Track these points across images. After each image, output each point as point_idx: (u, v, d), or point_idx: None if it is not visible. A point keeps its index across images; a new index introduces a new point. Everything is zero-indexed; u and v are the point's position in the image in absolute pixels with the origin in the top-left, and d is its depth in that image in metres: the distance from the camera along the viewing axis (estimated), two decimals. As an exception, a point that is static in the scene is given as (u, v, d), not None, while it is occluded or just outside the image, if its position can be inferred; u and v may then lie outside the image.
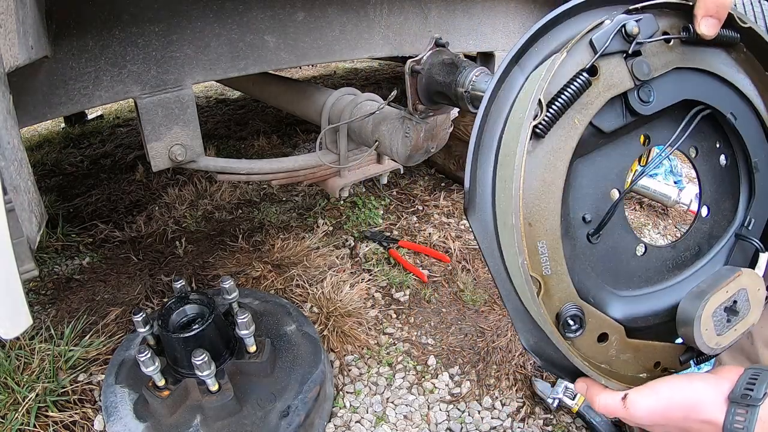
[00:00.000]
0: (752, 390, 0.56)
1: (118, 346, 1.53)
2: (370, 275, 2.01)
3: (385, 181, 1.84)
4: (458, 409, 1.49)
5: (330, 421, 1.44)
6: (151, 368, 1.19)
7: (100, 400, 1.40)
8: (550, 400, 1.44)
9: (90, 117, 4.35)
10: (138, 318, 1.32)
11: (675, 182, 2.52)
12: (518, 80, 0.61)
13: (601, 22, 0.56)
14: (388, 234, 2.28)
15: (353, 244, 2.23)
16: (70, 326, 1.63)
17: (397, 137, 1.28)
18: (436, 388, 1.56)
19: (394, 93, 1.18)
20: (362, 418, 1.46)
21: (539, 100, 0.52)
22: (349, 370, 1.61)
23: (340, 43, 1.40)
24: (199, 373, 1.16)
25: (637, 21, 0.56)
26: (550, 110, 0.54)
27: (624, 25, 0.55)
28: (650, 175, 2.44)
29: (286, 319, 1.55)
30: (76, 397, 1.44)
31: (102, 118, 4.38)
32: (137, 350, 1.19)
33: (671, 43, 0.59)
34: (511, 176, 0.53)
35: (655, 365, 0.66)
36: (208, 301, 1.31)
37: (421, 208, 2.51)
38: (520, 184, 0.53)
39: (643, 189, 2.43)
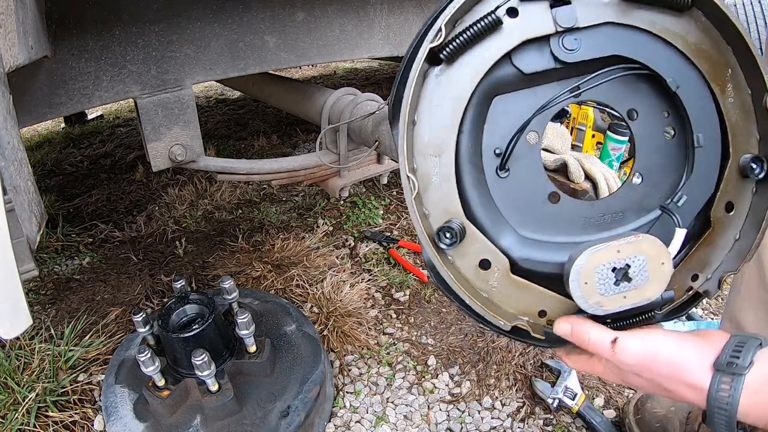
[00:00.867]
0: (738, 358, 0.55)
1: (118, 346, 1.53)
2: (370, 275, 2.01)
3: (385, 181, 1.84)
4: (458, 409, 1.49)
5: (330, 421, 1.44)
6: (151, 368, 1.19)
7: (100, 400, 1.40)
8: (550, 400, 1.44)
9: (90, 117, 4.35)
10: (138, 318, 1.32)
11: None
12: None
13: None
14: (388, 234, 2.28)
15: (353, 244, 2.23)
16: (70, 326, 1.63)
17: (397, 137, 1.28)
18: (436, 388, 1.56)
19: None
20: (362, 418, 1.46)
21: (441, 27, 0.56)
22: (349, 370, 1.61)
23: (340, 43, 1.40)
24: (199, 373, 1.16)
25: None
26: (458, 39, 0.57)
27: None
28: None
29: (286, 319, 1.55)
30: (76, 397, 1.44)
31: (102, 118, 4.38)
32: (137, 350, 1.19)
33: None
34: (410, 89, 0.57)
35: (540, 313, 0.65)
36: (208, 301, 1.31)
37: (421, 208, 2.51)
38: (410, 92, 0.57)
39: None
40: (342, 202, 2.52)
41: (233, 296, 1.43)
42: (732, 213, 0.65)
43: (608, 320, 0.63)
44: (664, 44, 0.61)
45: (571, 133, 2.55)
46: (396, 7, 1.46)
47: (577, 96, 0.63)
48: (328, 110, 1.58)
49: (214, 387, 1.22)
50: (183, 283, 1.40)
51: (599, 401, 1.48)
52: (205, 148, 1.33)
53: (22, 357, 1.48)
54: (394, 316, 1.83)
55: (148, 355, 1.18)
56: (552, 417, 1.45)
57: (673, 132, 0.66)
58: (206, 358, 1.15)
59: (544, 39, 0.60)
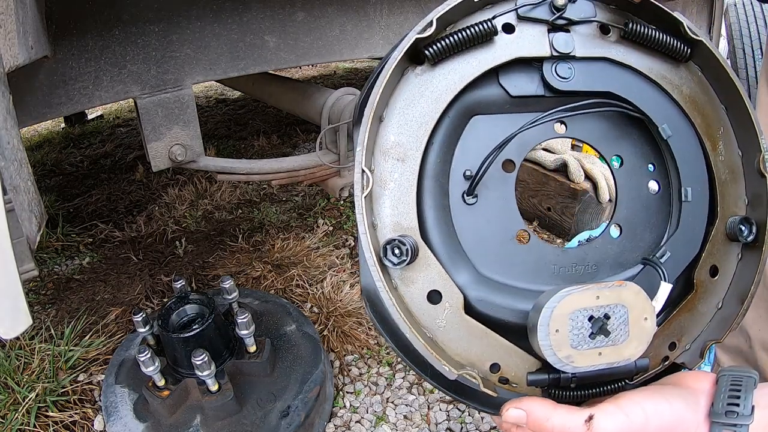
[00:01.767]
0: (737, 405, 0.48)
1: (118, 346, 1.53)
2: (370, 275, 2.01)
3: (385, 181, 1.84)
4: (458, 409, 1.49)
5: (330, 421, 1.44)
6: (151, 368, 1.19)
7: (100, 400, 1.40)
8: (550, 400, 1.44)
9: (90, 117, 4.35)
10: (138, 318, 1.32)
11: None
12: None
13: None
14: (388, 234, 2.28)
15: (353, 244, 2.23)
16: (70, 326, 1.63)
17: (397, 137, 1.28)
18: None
19: None
20: (362, 418, 1.46)
21: (432, 20, 0.52)
22: (349, 370, 1.61)
23: (340, 43, 1.40)
24: (199, 373, 1.16)
25: (570, 0, 0.56)
26: (447, 39, 0.53)
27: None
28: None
29: (286, 319, 1.55)
30: (76, 397, 1.44)
31: (102, 118, 4.38)
32: (137, 350, 1.19)
33: (610, 35, 0.58)
34: (382, 83, 0.52)
35: (493, 367, 0.55)
36: (208, 301, 1.31)
37: (421, 208, 2.51)
38: (383, 83, 0.51)
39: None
40: (342, 202, 2.52)
41: (233, 296, 1.43)
42: (716, 278, 0.60)
43: (572, 384, 0.53)
44: (659, 91, 0.59)
45: (571, 133, 2.55)
46: (396, 7, 1.46)
47: (563, 124, 0.60)
48: (328, 110, 1.58)
49: (214, 387, 1.22)
50: (183, 283, 1.40)
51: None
52: (205, 148, 1.33)
53: (22, 357, 1.48)
54: (394, 316, 1.83)
55: (148, 355, 1.18)
56: (552, 417, 1.45)
57: (658, 189, 0.62)
58: (206, 358, 1.15)
59: (536, 63, 0.57)
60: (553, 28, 0.57)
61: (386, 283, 0.50)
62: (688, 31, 0.57)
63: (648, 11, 0.58)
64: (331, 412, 1.47)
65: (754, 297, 0.59)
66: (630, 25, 0.57)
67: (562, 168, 2.31)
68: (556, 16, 0.56)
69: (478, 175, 0.56)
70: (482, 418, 1.45)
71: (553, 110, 0.56)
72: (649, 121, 0.59)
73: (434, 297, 0.54)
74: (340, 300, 1.78)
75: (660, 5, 0.57)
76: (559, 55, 0.56)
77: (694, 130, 0.59)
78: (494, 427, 1.43)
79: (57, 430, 1.35)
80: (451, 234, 0.57)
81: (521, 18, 0.56)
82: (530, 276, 0.59)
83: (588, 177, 2.27)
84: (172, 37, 1.16)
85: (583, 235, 2.20)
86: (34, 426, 1.33)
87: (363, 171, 0.51)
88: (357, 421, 1.45)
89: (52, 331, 1.60)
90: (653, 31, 0.57)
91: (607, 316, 0.49)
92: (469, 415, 1.47)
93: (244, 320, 1.27)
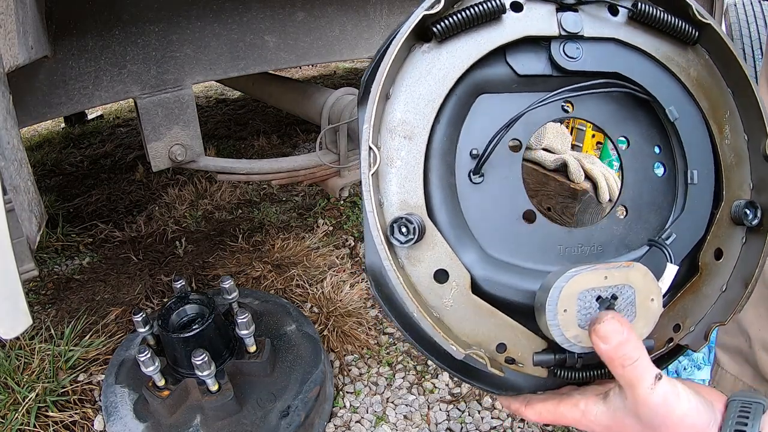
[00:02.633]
0: (745, 426, 0.48)
1: (118, 346, 1.53)
2: (370, 275, 2.01)
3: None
4: (458, 409, 1.49)
5: (330, 421, 1.44)
6: (151, 368, 1.19)
7: (100, 400, 1.40)
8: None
9: (90, 117, 4.35)
10: (138, 318, 1.32)
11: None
12: None
13: None
14: (388, 234, 2.28)
15: (353, 243, 2.23)
16: (70, 326, 1.63)
17: (397, 137, 1.28)
18: (436, 388, 1.56)
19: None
20: (362, 418, 1.46)
21: None
22: (349, 370, 1.61)
23: (340, 43, 1.40)
24: (199, 373, 1.16)
25: None
26: (456, 16, 0.53)
27: None
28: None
29: (286, 319, 1.55)
30: (76, 397, 1.44)
31: (102, 118, 4.38)
32: (137, 350, 1.19)
33: (618, 16, 0.58)
34: (389, 60, 0.52)
35: (499, 347, 0.55)
36: (208, 301, 1.31)
37: (421, 208, 2.51)
38: (390, 60, 0.51)
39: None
40: (342, 202, 2.52)
41: (233, 296, 1.43)
42: (721, 260, 0.60)
43: (577, 365, 0.54)
44: (666, 73, 0.59)
45: (571, 133, 2.55)
46: (396, 7, 1.46)
47: (570, 104, 0.60)
48: (328, 110, 1.58)
49: (214, 387, 1.22)
50: (183, 283, 1.40)
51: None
52: (205, 148, 1.33)
53: (22, 357, 1.48)
54: (394, 316, 1.83)
55: (148, 355, 1.18)
56: (552, 417, 1.45)
57: (663, 172, 0.62)
58: (206, 358, 1.15)
59: (544, 43, 0.57)
60: (562, 7, 0.56)
61: (393, 262, 0.50)
62: (697, 14, 0.57)
63: None
64: (331, 412, 1.47)
65: (753, 293, 0.59)
66: (639, 6, 0.57)
67: (562, 168, 2.31)
68: None
69: (485, 154, 0.56)
70: (482, 418, 1.45)
71: (561, 89, 0.56)
72: (656, 103, 0.59)
73: (441, 276, 0.53)
74: (340, 300, 1.78)
75: None
76: (568, 34, 0.56)
77: (701, 113, 0.60)
78: (494, 428, 1.43)
79: (57, 430, 1.35)
80: (457, 213, 0.57)
81: None
82: (537, 256, 0.59)
83: (588, 177, 2.27)
84: (172, 37, 1.16)
85: None
86: (34, 426, 1.33)
87: (370, 148, 0.50)
88: (357, 421, 1.45)
89: (52, 331, 1.60)
90: (662, 13, 0.57)
91: (614, 297, 0.49)
92: (469, 415, 1.47)
93: (244, 320, 1.27)
